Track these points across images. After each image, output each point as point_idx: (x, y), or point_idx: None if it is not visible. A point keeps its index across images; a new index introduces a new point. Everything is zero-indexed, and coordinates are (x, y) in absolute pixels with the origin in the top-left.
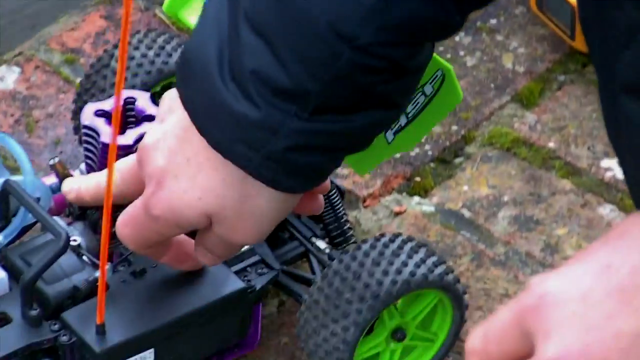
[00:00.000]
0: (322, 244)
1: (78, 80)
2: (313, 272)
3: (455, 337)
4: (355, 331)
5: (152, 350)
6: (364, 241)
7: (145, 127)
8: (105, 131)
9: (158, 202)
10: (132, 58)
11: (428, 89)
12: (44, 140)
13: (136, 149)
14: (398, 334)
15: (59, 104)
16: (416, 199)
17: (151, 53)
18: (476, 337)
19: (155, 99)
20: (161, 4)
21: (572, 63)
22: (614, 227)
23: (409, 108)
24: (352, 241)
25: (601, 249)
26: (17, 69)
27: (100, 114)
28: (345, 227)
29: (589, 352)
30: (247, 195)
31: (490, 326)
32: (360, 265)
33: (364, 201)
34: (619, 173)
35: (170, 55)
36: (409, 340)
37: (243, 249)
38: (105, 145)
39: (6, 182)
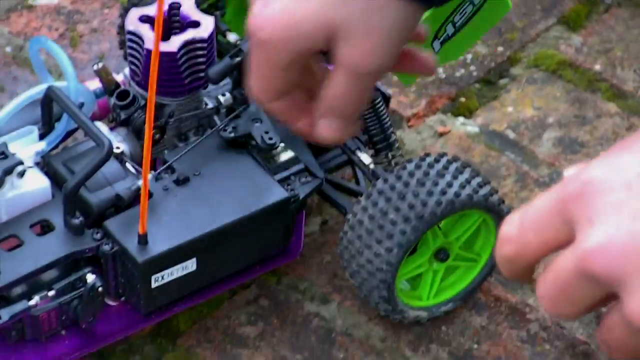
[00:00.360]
0: (366, 158)
1: None
2: (358, 183)
3: None
4: (398, 252)
5: (194, 259)
6: (409, 161)
7: (190, 33)
8: (150, 37)
9: (268, 19)
10: None
11: None
12: (88, 55)
13: (181, 56)
14: (441, 255)
15: (103, 18)
16: (461, 119)
17: None
18: (512, 224)
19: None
20: None
21: None
22: None
23: (457, 17)
24: (396, 145)
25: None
26: None
27: (144, 19)
28: (390, 134)
29: (634, 240)
30: (374, 3)
31: (528, 213)
32: (405, 185)
33: (408, 121)
34: None
35: None
36: (452, 260)
37: (285, 157)
38: (150, 52)
39: (49, 87)
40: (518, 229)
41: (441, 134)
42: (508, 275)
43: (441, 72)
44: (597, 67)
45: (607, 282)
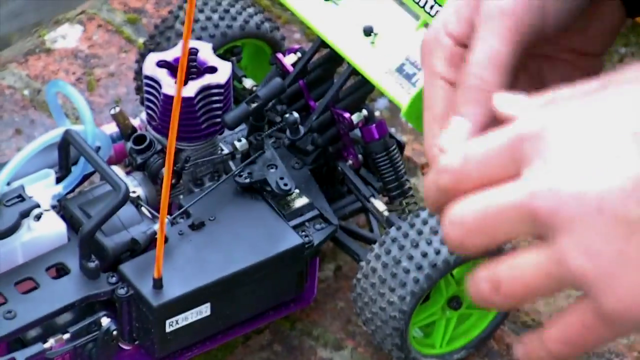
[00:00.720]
0: (380, 205)
1: (140, 40)
2: (371, 230)
3: None
4: (411, 300)
5: (208, 304)
6: (422, 208)
7: (207, 78)
8: (167, 82)
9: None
10: (196, 20)
11: None
12: (105, 99)
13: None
14: (454, 302)
15: (120, 63)
16: None
17: (215, 16)
18: (454, 156)
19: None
20: None
21: (634, 36)
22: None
23: None
24: (409, 193)
25: (611, 94)
26: (79, 28)
27: (162, 64)
28: (404, 181)
29: (582, 197)
30: None
31: (473, 147)
32: (419, 233)
33: (423, 169)
34: None
35: (234, 18)
36: (465, 308)
37: (300, 204)
38: (167, 97)
39: (66, 131)
40: (461, 161)
41: None
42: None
43: None
44: None
45: (546, 225)
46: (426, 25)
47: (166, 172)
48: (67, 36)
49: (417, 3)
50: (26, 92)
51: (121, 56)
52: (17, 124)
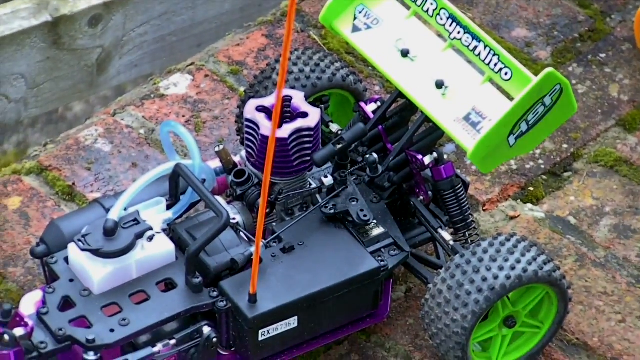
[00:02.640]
0: (447, 236)
1: (241, 88)
2: (439, 257)
3: (559, 326)
4: (472, 318)
5: (296, 317)
6: (483, 239)
7: (299, 122)
8: (265, 124)
9: None
10: (290, 72)
11: (547, 101)
12: (210, 139)
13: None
14: (509, 322)
15: (224, 108)
16: (529, 205)
17: (307, 69)
18: None
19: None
20: (315, 26)
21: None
22: None
23: (530, 116)
24: (472, 226)
25: None
26: (189, 77)
27: (260, 109)
28: (467, 215)
29: None
30: None
31: None
32: (480, 260)
33: (484, 206)
34: None
35: (323, 71)
36: (519, 327)
37: (377, 233)
38: (264, 137)
39: (177, 165)
40: None
41: (512, 218)
42: None
43: (513, 163)
44: None
45: None
46: (490, 80)
47: (262, 202)
48: (178, 84)
49: (483, 61)
50: (142, 131)
51: (224, 102)
52: (133, 159)
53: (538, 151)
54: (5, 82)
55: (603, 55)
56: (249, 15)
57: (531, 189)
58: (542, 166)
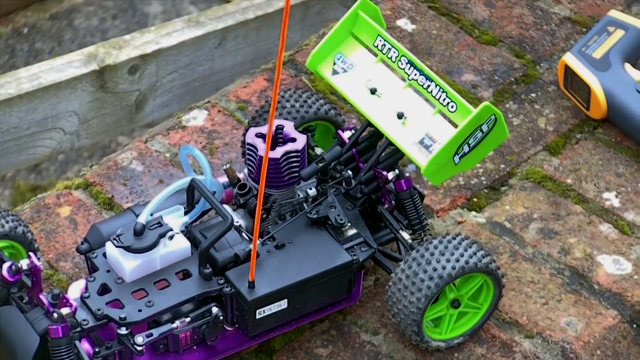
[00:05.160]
0: (406, 235)
1: (246, 121)
2: (400, 253)
3: (495, 307)
4: (425, 301)
5: (286, 300)
6: (434, 237)
7: (289, 145)
8: (262, 147)
9: None
10: (284, 107)
11: (484, 128)
12: (221, 161)
13: (283, 161)
14: (455, 303)
15: (232, 136)
16: (473, 213)
17: (297, 104)
18: None
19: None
20: (305, 72)
21: (586, 126)
22: None
23: (471, 140)
24: (427, 228)
25: None
26: (205, 112)
27: (259, 135)
28: (423, 219)
29: None
30: None
31: None
32: (431, 254)
33: (437, 213)
34: (615, 202)
35: (310, 106)
36: (463, 307)
37: (351, 233)
38: (261, 157)
39: (192, 180)
40: None
41: (459, 223)
42: None
43: (461, 180)
44: (569, 180)
45: None
46: (440, 112)
47: (258, 208)
48: (197, 118)
49: (434, 97)
50: (167, 154)
51: (233, 132)
52: (160, 176)
53: (481, 170)
54: (62, 117)
55: (533, 95)
56: (258, 65)
57: (475, 199)
58: (484, 182)
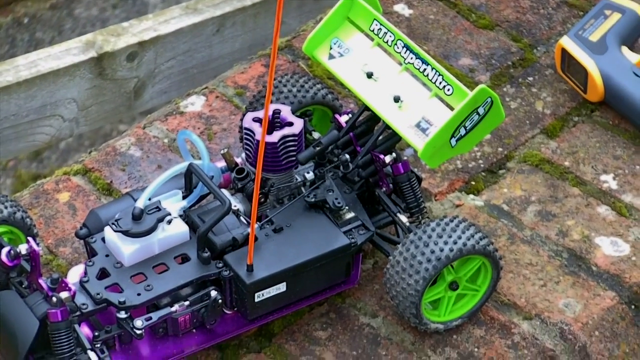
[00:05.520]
0: (404, 218)
1: (244, 107)
2: (398, 236)
3: (493, 289)
4: (423, 283)
5: (284, 283)
6: (432, 220)
7: (286, 130)
8: (259, 132)
9: None
10: (281, 92)
11: (481, 110)
12: (219, 146)
13: (280, 145)
14: (453, 285)
15: (230, 122)
16: (471, 196)
17: (294, 89)
18: None
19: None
20: (303, 57)
21: (584, 109)
22: None
23: (467, 123)
24: (424, 211)
25: None
26: (203, 98)
27: (256, 119)
28: (420, 202)
29: None
30: None
31: None
32: (429, 237)
33: (435, 196)
34: (612, 184)
35: (307, 91)
36: (461, 290)
37: (349, 216)
38: (259, 142)
39: (190, 164)
40: None
41: (457, 206)
42: None
43: (459, 163)
44: (567, 163)
45: None
46: (436, 95)
47: (255, 192)
48: (194, 103)
49: (431, 80)
50: (165, 140)
51: (231, 117)
52: (158, 162)
53: (479, 153)
54: (61, 105)
55: (531, 79)
56: (255, 52)
57: (473, 183)
58: (482, 165)
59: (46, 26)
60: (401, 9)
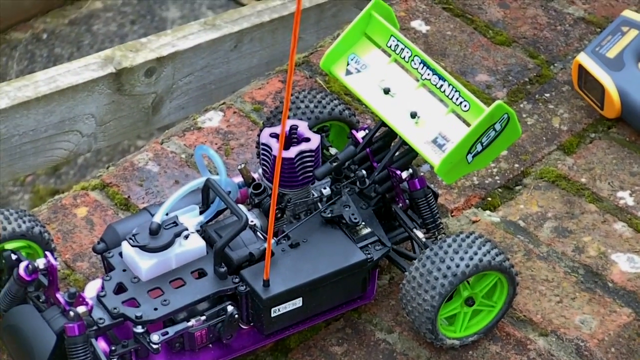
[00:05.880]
0: (420, 234)
1: (262, 122)
2: (414, 251)
3: (509, 305)
4: (439, 299)
5: (300, 298)
6: (448, 236)
7: (303, 145)
8: (276, 147)
9: None
10: (298, 108)
11: (497, 126)
12: (237, 161)
13: (297, 161)
14: (469, 301)
15: (248, 137)
16: (487, 212)
17: (312, 105)
18: None
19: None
20: (320, 73)
21: (601, 125)
22: None
23: (484, 139)
24: (441, 227)
25: None
26: (220, 113)
27: (273, 135)
28: (437, 218)
29: None
30: None
31: None
32: (445, 252)
33: (452, 212)
34: (629, 201)
35: (324, 107)
36: (477, 306)
37: (365, 232)
38: (276, 157)
39: (207, 179)
40: None
41: (474, 222)
42: None
43: (475, 179)
44: (583, 180)
45: None
46: (453, 111)
47: (272, 207)
48: (212, 119)
49: (447, 96)
50: (183, 155)
51: (249, 133)
52: (176, 177)
53: (495, 170)
54: (79, 120)
55: (547, 95)
56: (273, 67)
57: (489, 199)
58: (498, 181)
59: (65, 42)
60: (418, 25)
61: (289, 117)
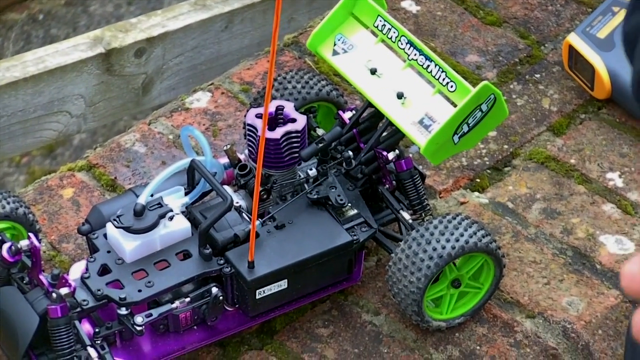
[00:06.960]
0: (406, 215)
1: (249, 102)
2: (401, 233)
3: (496, 287)
4: (425, 280)
5: (285, 280)
6: (435, 217)
7: (289, 126)
8: (261, 128)
9: None
10: (285, 88)
11: (484, 107)
12: (224, 142)
13: (283, 141)
14: (455, 283)
15: (235, 118)
16: (476, 193)
17: (299, 85)
18: (634, 263)
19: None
20: (309, 54)
21: (591, 106)
22: None
23: (470, 120)
24: (427, 208)
25: None
26: (208, 94)
27: (258, 116)
28: (423, 199)
29: None
30: None
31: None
32: (431, 234)
33: (440, 194)
34: (618, 182)
35: (312, 87)
36: (463, 287)
37: (351, 213)
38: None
39: (192, 161)
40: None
41: (462, 203)
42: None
43: (464, 160)
44: (572, 161)
45: None
46: (439, 91)
47: (256, 188)
48: (200, 100)
49: (434, 76)
50: (170, 136)
51: (236, 114)
52: (163, 158)
53: (484, 151)
54: (68, 101)
55: (538, 76)
56: (264, 48)
57: (478, 180)
58: (487, 162)
59: (61, 23)
60: (409, 5)
61: (276, 98)
